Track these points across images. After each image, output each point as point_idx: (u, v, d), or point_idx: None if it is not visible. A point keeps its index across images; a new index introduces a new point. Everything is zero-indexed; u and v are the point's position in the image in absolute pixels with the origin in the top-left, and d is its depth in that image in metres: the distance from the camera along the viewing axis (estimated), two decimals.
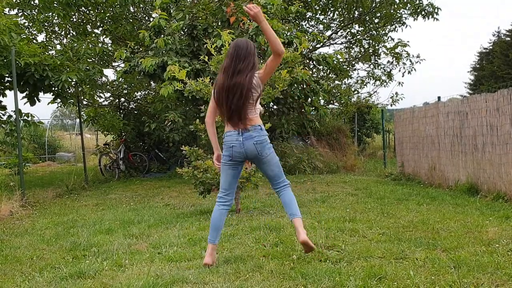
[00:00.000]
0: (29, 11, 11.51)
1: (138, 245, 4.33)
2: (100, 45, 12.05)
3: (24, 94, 8.84)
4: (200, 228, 4.89)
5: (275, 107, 10.57)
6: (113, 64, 14.13)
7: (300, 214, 3.56)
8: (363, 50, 16.23)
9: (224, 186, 3.62)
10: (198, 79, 5.65)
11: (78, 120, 13.84)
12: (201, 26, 9.15)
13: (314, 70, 13.05)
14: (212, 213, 3.63)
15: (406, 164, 9.43)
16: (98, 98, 13.23)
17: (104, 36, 13.19)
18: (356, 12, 14.96)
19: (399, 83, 16.34)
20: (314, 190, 7.80)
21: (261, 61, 8.37)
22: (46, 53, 8.85)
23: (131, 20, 12.73)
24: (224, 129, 3.63)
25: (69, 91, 9.64)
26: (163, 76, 8.35)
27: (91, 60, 11.10)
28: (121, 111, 13.48)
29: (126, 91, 14.31)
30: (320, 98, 10.96)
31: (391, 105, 16.59)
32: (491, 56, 30.45)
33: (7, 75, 8.24)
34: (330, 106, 15.89)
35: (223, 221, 3.63)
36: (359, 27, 15.82)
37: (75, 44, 10.29)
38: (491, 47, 31.40)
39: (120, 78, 12.11)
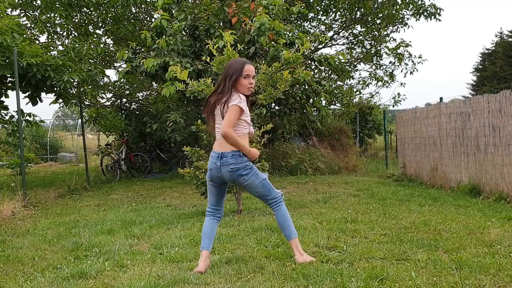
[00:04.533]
0: (31, 11, 11.54)
1: (140, 245, 4.33)
2: (102, 45, 12.05)
3: (26, 94, 8.85)
4: (201, 229, 4.85)
5: (276, 107, 10.56)
6: (115, 64, 14.16)
7: (295, 233, 3.55)
8: (365, 51, 16.21)
9: (212, 203, 3.63)
10: (200, 79, 5.65)
11: (80, 120, 13.88)
12: (203, 27, 9.16)
13: (315, 70, 13.04)
14: (204, 222, 3.63)
15: (408, 165, 9.42)
16: (100, 99, 13.24)
17: (106, 36, 13.21)
18: (358, 13, 14.95)
19: (401, 83, 16.32)
20: (316, 190, 7.79)
21: (263, 62, 8.37)
22: (48, 53, 8.85)
23: (132, 21, 12.74)
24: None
25: (71, 92, 9.65)
26: (164, 76, 8.35)
27: (93, 61, 11.11)
28: (123, 111, 13.49)
29: (128, 92, 14.33)
30: (322, 98, 10.95)
31: (393, 106, 16.59)
32: (494, 57, 30.40)
33: (9, 75, 8.26)
34: (332, 106, 15.88)
35: (216, 229, 3.65)
36: (361, 28, 15.81)
37: (77, 45, 10.29)
38: (493, 48, 31.35)
39: (122, 79, 12.16)
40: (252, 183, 3.46)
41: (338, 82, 16.02)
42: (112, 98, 13.92)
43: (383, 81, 16.29)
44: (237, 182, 3.49)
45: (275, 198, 3.55)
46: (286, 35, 8.99)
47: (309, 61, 10.21)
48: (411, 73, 15.64)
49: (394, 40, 15.65)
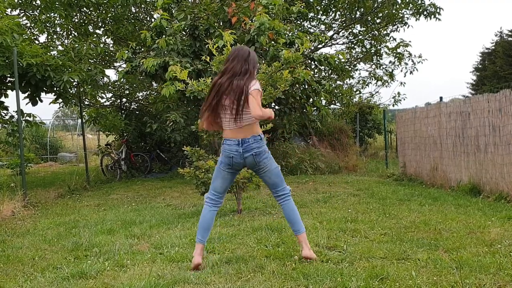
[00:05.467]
0: (31, 11, 11.53)
1: (140, 245, 4.33)
2: (101, 45, 12.06)
3: (26, 95, 8.85)
4: None
5: (276, 107, 10.56)
6: (115, 64, 14.16)
7: (303, 228, 3.58)
8: (364, 50, 16.21)
9: (218, 190, 3.61)
10: (199, 79, 5.65)
11: (79, 120, 13.88)
12: (202, 27, 9.15)
13: (315, 70, 13.03)
14: (201, 212, 3.62)
15: (408, 165, 9.41)
16: (99, 99, 13.24)
17: (106, 36, 13.21)
18: (358, 13, 14.95)
19: (401, 83, 16.35)
20: (316, 190, 7.79)
21: (263, 62, 8.37)
22: (48, 53, 8.85)
23: (132, 21, 12.74)
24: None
25: (71, 92, 9.64)
26: (164, 76, 8.35)
27: (92, 61, 11.11)
28: (123, 111, 13.49)
29: (127, 92, 14.33)
30: (322, 98, 10.95)
31: (393, 106, 16.61)
32: (494, 56, 30.40)
33: (9, 75, 8.25)
34: (332, 106, 15.88)
35: (213, 220, 3.65)
36: (361, 27, 15.81)
37: (77, 45, 10.29)
38: (493, 47, 31.35)
39: (122, 79, 12.13)
40: (271, 168, 3.54)
41: (338, 82, 16.03)
42: (112, 98, 13.93)
43: (383, 81, 16.30)
44: (258, 166, 3.52)
45: (285, 190, 3.61)
46: (286, 35, 8.99)
47: (309, 61, 10.21)
48: (411, 72, 15.66)
49: (394, 39, 15.68)
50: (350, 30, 15.91)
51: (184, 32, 9.53)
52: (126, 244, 4.37)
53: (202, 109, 3.58)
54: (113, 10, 12.14)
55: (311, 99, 10.77)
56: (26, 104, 8.98)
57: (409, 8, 14.36)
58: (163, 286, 3.10)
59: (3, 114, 8.80)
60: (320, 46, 14.45)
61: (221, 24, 9.52)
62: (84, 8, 11.91)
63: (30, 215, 6.59)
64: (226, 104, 3.44)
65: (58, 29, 12.88)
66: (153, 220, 5.59)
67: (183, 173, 5.80)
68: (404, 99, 16.21)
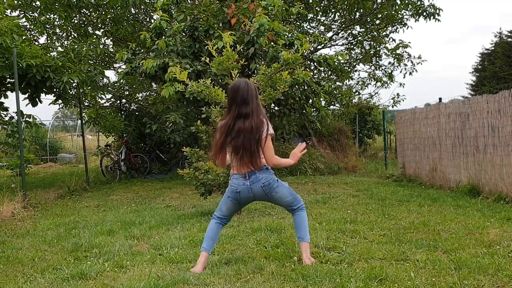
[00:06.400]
0: (30, 12, 11.54)
1: (139, 246, 4.34)
2: (101, 46, 12.06)
3: (25, 96, 8.85)
4: (201, 230, 4.89)
5: (276, 108, 10.56)
6: (114, 65, 14.15)
7: (308, 238, 3.57)
8: (364, 51, 16.22)
9: (225, 214, 3.61)
10: (199, 80, 5.65)
11: (79, 121, 13.87)
12: (202, 28, 9.16)
13: (315, 71, 13.04)
14: (209, 224, 3.63)
15: (407, 166, 9.42)
16: (99, 99, 13.25)
17: (105, 37, 13.20)
18: (357, 14, 14.95)
19: (400, 84, 16.33)
20: (315, 191, 7.80)
21: (262, 63, 8.38)
22: (48, 54, 8.86)
23: (132, 22, 12.74)
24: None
25: (71, 93, 9.65)
26: (164, 77, 8.36)
27: (92, 62, 11.12)
28: (123, 112, 13.49)
29: (127, 93, 14.33)
30: (321, 99, 10.95)
31: (392, 106, 16.58)
32: (493, 57, 30.44)
33: (8, 76, 8.26)
34: (331, 107, 15.88)
35: (220, 232, 3.67)
36: (360, 28, 15.81)
37: (76, 46, 10.30)
38: (492, 48, 31.38)
39: (122, 80, 12.14)
40: (282, 194, 3.50)
41: (338, 83, 16.03)
42: (112, 99, 13.92)
43: (382, 82, 16.30)
44: (269, 197, 3.47)
45: (300, 203, 3.59)
46: (286, 36, 9.00)
47: (309, 62, 10.22)
48: (410, 73, 15.65)
49: (394, 40, 15.67)
50: (349, 31, 15.91)
51: (183, 33, 9.54)
52: (126, 245, 4.37)
53: (214, 150, 3.50)
54: (112, 11, 12.15)
55: (310, 100, 10.76)
56: (26, 105, 8.99)
57: (408, 9, 14.36)
58: (162, 287, 3.11)
59: (3, 115, 8.81)
60: (319, 47, 14.44)
61: (220, 25, 9.53)
62: (84, 9, 11.90)
63: (30, 216, 6.59)
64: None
65: (57, 30, 12.89)
66: (153, 221, 5.60)
67: (182, 174, 5.81)
68: (403, 100, 16.20)
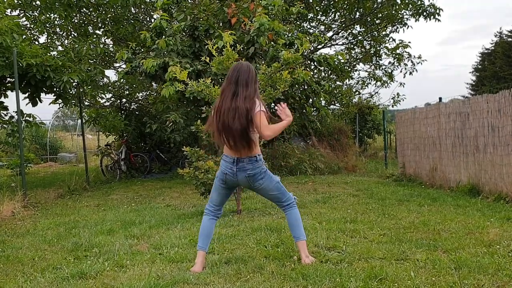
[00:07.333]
0: (30, 12, 11.54)
1: (139, 245, 4.34)
2: (101, 46, 12.06)
3: (26, 95, 8.85)
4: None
5: (276, 108, 10.57)
6: (115, 65, 14.15)
7: (304, 236, 3.56)
8: (364, 51, 16.22)
9: (215, 202, 3.62)
10: (199, 80, 5.65)
11: (79, 120, 13.88)
12: (202, 27, 9.16)
13: (315, 71, 13.05)
14: (202, 222, 3.63)
15: (408, 165, 9.42)
16: (99, 99, 13.24)
17: (106, 37, 13.21)
18: (358, 13, 14.95)
19: (401, 84, 16.32)
20: (315, 190, 7.80)
21: (263, 62, 8.38)
22: (48, 54, 8.86)
23: (132, 21, 12.74)
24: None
25: (71, 92, 9.65)
26: (164, 77, 8.36)
27: (92, 61, 11.11)
28: (123, 111, 13.49)
29: (127, 92, 14.33)
30: (321, 99, 10.96)
31: (393, 106, 16.58)
32: (493, 57, 30.45)
33: (9, 76, 8.26)
34: (331, 107, 15.87)
35: (213, 228, 3.66)
36: (360, 28, 15.81)
37: (77, 45, 10.30)
38: (493, 48, 31.39)
39: (122, 79, 12.14)
40: (267, 187, 3.49)
41: (338, 82, 16.03)
42: (112, 99, 13.92)
43: (382, 81, 16.29)
44: (253, 187, 3.50)
45: (289, 201, 3.57)
46: (286, 36, 9.01)
47: (309, 61, 10.23)
48: (410, 73, 15.65)
49: (394, 40, 15.66)
50: (349, 30, 15.91)
51: (183, 33, 9.54)
52: (126, 245, 4.38)
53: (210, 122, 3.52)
54: (113, 10, 12.15)
55: (310, 100, 10.78)
56: (26, 104, 8.99)
57: (408, 9, 14.36)
58: (162, 286, 3.11)
59: (3, 115, 8.81)
60: (319, 46, 14.45)
61: (220, 24, 9.53)
62: (84, 9, 11.91)
63: (30, 215, 6.59)
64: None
65: (58, 29, 12.88)
66: (153, 221, 5.60)
67: (182, 173, 5.81)
68: (403, 100, 16.20)
